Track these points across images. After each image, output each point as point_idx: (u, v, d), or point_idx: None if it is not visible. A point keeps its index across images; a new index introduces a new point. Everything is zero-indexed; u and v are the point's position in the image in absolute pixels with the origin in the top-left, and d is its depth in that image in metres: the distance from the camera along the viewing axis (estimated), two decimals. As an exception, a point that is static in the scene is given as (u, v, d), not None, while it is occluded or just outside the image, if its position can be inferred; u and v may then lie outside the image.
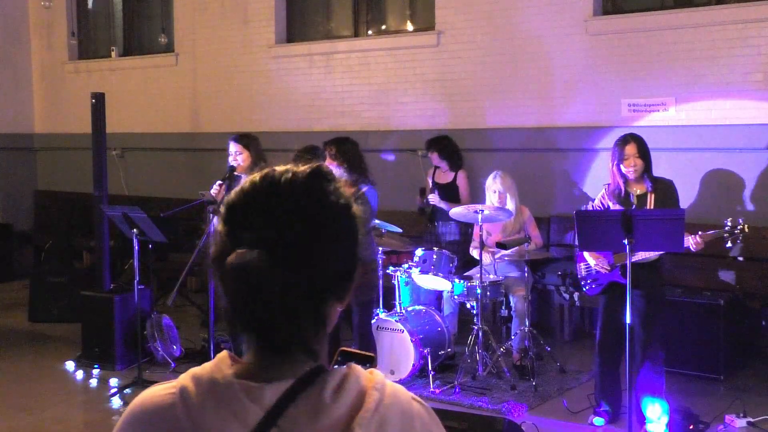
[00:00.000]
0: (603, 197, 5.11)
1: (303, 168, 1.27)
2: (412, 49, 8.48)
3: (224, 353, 1.25)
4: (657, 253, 4.86)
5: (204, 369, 1.22)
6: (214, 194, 5.84)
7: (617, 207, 4.93)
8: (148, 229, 6.12)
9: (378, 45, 8.79)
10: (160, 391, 1.22)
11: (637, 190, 4.98)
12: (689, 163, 6.96)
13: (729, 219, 4.90)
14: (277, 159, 1.38)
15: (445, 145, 7.37)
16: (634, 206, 4.89)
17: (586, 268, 5.21)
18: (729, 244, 4.87)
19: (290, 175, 1.25)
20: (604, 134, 7.20)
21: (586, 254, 5.16)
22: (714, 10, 6.94)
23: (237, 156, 5.85)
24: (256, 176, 1.26)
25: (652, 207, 4.88)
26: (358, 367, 1.23)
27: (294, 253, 1.18)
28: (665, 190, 4.98)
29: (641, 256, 4.75)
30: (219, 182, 5.86)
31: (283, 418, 1.15)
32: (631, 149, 4.90)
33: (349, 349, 1.37)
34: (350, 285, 1.27)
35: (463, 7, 8.08)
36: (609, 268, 5.05)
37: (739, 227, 4.82)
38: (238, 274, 1.17)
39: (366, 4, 9.08)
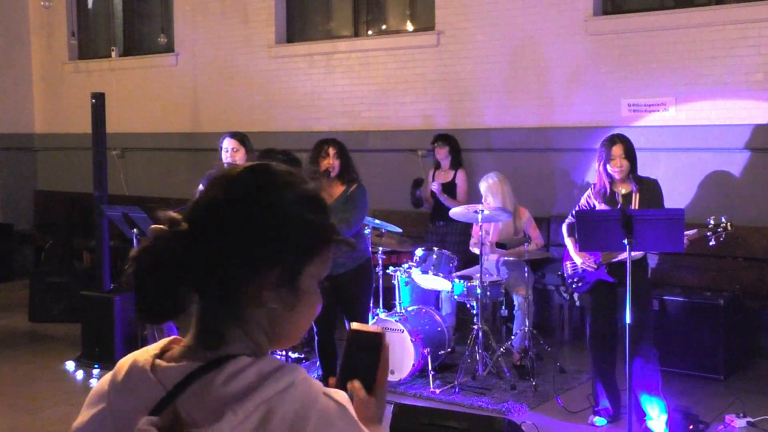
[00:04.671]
0: (588, 197, 5.14)
1: (243, 165, 1.34)
2: (412, 49, 8.48)
3: (171, 337, 1.34)
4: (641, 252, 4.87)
5: (139, 351, 1.31)
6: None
7: (603, 207, 4.96)
8: (148, 229, 6.11)
9: (378, 45, 8.79)
10: (111, 371, 1.32)
11: (622, 189, 5.00)
12: (689, 163, 6.96)
13: (712, 217, 4.91)
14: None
15: (454, 142, 7.49)
16: (619, 205, 4.90)
17: (573, 266, 5.22)
18: (712, 242, 4.88)
19: (230, 168, 1.32)
20: (604, 134, 7.10)
21: (572, 253, 5.18)
22: (714, 10, 6.94)
23: (234, 153, 5.72)
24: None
25: (636, 206, 4.89)
26: (272, 359, 1.24)
27: (191, 233, 1.25)
28: (650, 189, 4.99)
29: (624, 255, 4.74)
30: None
31: (180, 397, 1.20)
32: (617, 150, 4.92)
33: (359, 327, 1.45)
34: (259, 282, 1.25)
35: (463, 7, 8.08)
36: (595, 266, 5.06)
37: (722, 225, 4.83)
38: (143, 243, 1.27)
39: (366, 4, 9.07)
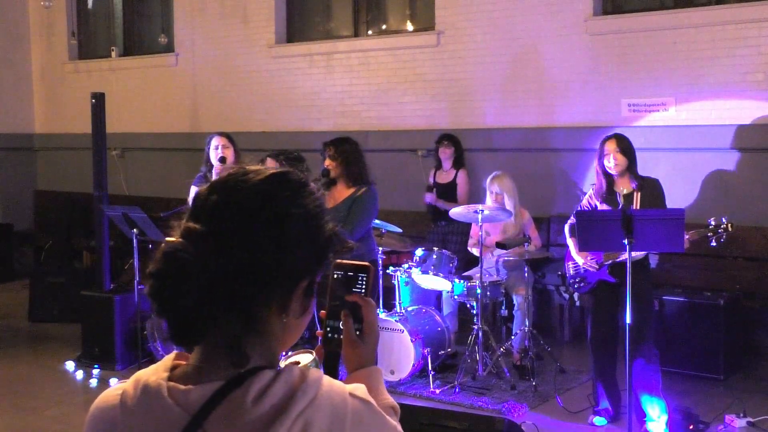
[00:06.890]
0: (590, 197, 5.13)
1: (266, 171, 1.28)
2: (412, 49, 8.48)
3: (173, 353, 1.27)
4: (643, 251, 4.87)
5: (145, 371, 1.25)
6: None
7: (604, 206, 4.95)
8: (148, 229, 6.12)
9: (378, 45, 8.79)
10: (112, 391, 1.27)
11: (623, 189, 4.99)
12: (689, 163, 6.96)
13: (713, 218, 4.92)
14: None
15: (458, 142, 7.55)
16: (621, 205, 4.90)
17: (575, 267, 5.22)
18: (713, 243, 4.88)
19: (252, 175, 1.26)
20: (604, 134, 7.15)
21: (574, 253, 5.18)
22: (714, 10, 6.94)
23: (225, 149, 5.92)
24: (230, 171, 1.29)
25: (638, 206, 4.89)
26: (293, 368, 1.21)
27: (218, 246, 1.19)
28: (651, 188, 4.99)
29: (626, 255, 4.74)
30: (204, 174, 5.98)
31: (207, 421, 1.16)
32: (610, 145, 4.94)
33: (343, 261, 1.37)
34: (291, 295, 1.25)
35: (463, 7, 8.08)
36: (597, 266, 5.05)
37: (723, 226, 4.83)
38: (161, 260, 1.19)
39: (366, 4, 9.07)
